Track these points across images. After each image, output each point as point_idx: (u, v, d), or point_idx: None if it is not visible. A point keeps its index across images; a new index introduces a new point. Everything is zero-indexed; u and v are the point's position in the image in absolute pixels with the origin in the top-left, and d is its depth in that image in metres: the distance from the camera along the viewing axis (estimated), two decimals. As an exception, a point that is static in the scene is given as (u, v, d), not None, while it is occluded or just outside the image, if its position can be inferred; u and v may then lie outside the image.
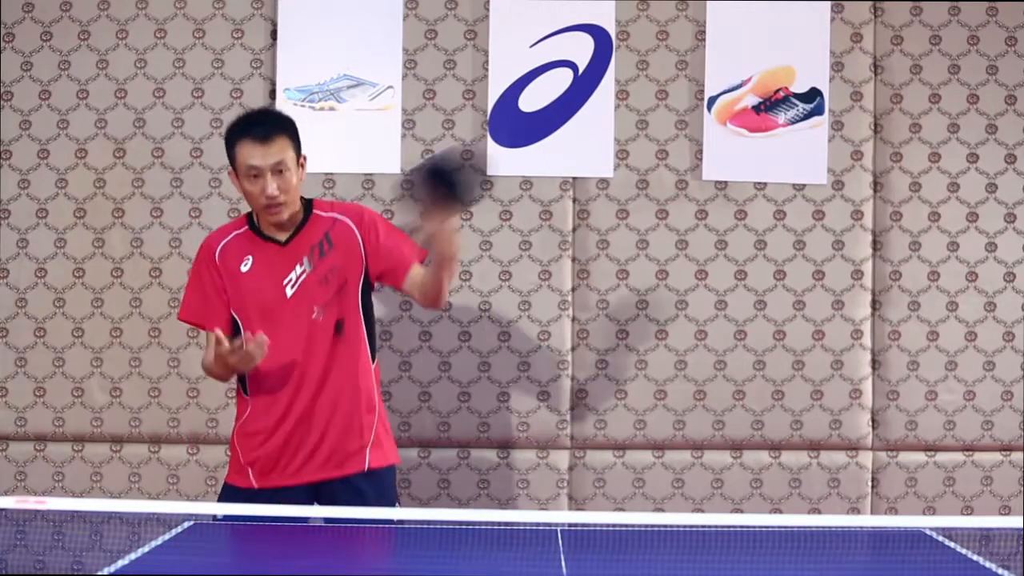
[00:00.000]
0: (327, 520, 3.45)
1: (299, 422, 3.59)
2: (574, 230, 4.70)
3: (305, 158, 3.65)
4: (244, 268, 3.62)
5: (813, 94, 4.67)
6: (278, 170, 3.54)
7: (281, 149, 3.55)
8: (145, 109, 4.66)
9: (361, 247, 3.64)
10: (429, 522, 3.28)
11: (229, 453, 3.77)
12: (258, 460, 3.62)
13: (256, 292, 3.60)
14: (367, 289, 3.69)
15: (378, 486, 3.64)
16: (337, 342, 3.61)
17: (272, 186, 3.53)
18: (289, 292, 3.59)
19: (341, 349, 3.61)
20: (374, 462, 3.65)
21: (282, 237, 3.63)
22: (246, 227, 3.67)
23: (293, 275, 3.60)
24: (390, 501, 3.70)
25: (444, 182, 3.41)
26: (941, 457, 4.75)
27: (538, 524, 3.41)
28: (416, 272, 3.64)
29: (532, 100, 4.66)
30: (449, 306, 4.66)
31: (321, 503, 3.62)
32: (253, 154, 3.53)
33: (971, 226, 4.73)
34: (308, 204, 3.68)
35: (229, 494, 3.67)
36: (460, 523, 3.26)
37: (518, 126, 4.66)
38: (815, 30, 4.68)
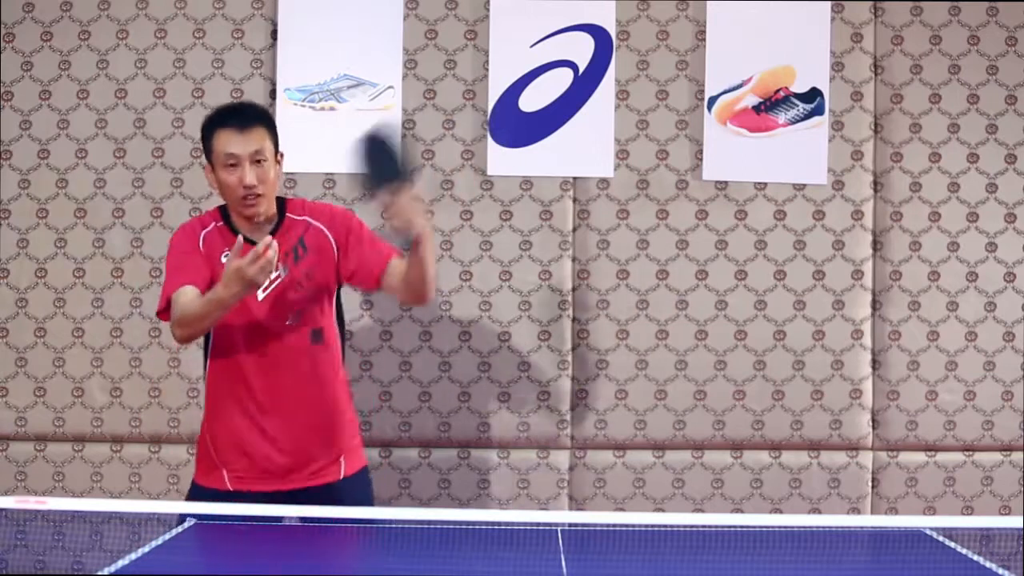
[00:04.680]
0: (327, 520, 3.44)
1: (273, 425, 3.53)
2: (574, 230, 4.70)
3: (282, 155, 3.57)
4: (223, 260, 3.49)
5: (813, 94, 4.67)
6: (256, 160, 3.46)
7: (260, 138, 3.48)
8: (145, 109, 4.66)
9: (334, 251, 3.57)
10: (429, 522, 3.28)
11: (196, 451, 3.70)
12: (232, 460, 3.55)
13: None
14: (339, 297, 3.64)
15: (353, 490, 3.61)
16: (314, 350, 3.55)
17: (251, 175, 3.45)
18: (260, 295, 3.50)
19: (318, 358, 3.56)
20: (349, 469, 3.63)
21: (256, 239, 3.46)
22: (221, 222, 3.57)
23: (268, 277, 3.44)
24: (367, 500, 3.68)
25: (377, 158, 3.38)
26: (941, 457, 4.75)
27: (538, 524, 3.41)
28: (395, 265, 3.55)
29: (532, 100, 4.66)
30: (449, 306, 4.67)
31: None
32: (231, 142, 3.46)
33: (971, 226, 4.73)
34: (281, 204, 3.59)
35: (198, 496, 3.58)
36: (460, 523, 3.26)
37: (518, 126, 4.66)
38: (815, 30, 4.68)
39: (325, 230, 3.58)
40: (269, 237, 3.29)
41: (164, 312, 3.53)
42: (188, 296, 3.43)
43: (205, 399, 3.64)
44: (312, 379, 3.55)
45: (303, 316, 3.54)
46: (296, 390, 3.53)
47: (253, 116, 3.54)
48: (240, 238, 3.33)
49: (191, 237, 3.56)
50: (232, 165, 3.47)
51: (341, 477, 3.61)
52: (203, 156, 3.59)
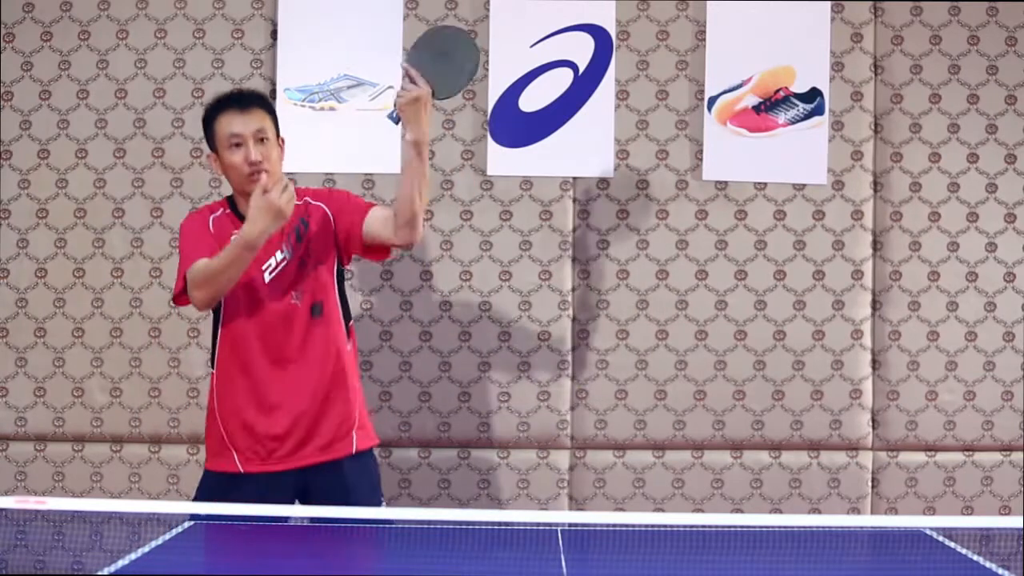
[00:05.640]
0: (327, 520, 3.44)
1: (280, 403, 3.58)
2: (574, 230, 4.70)
3: (283, 140, 3.65)
4: (234, 238, 3.55)
5: (813, 94, 4.67)
6: (259, 138, 3.54)
7: (261, 119, 3.57)
8: (145, 109, 4.66)
9: (332, 224, 3.65)
10: (429, 522, 3.28)
11: (205, 436, 3.71)
12: (241, 440, 3.59)
13: None
14: (341, 273, 3.70)
15: (363, 467, 3.68)
16: (315, 324, 3.60)
17: (255, 152, 3.52)
18: (267, 277, 3.58)
19: (319, 331, 3.61)
20: (360, 444, 3.67)
21: None
22: (229, 210, 3.65)
23: (273, 261, 3.58)
24: (375, 480, 3.73)
25: (442, 51, 3.51)
26: (941, 457, 4.75)
27: (538, 524, 3.41)
28: (377, 211, 3.63)
29: (532, 100, 4.66)
30: (449, 306, 4.67)
31: (308, 488, 3.60)
32: (233, 122, 3.55)
33: (971, 226, 4.73)
34: None
35: (212, 482, 3.64)
36: (460, 523, 3.26)
37: (518, 126, 4.66)
38: (815, 30, 4.68)
39: (324, 206, 3.67)
40: (285, 178, 3.48)
41: (182, 295, 3.59)
42: (204, 262, 3.51)
43: (214, 381, 3.66)
44: (312, 351, 3.60)
45: (306, 293, 3.61)
46: (299, 363, 3.59)
47: (253, 98, 3.64)
48: (264, 175, 3.48)
49: (202, 221, 3.65)
50: (236, 145, 3.55)
51: (353, 451, 3.64)
52: (206, 146, 3.64)
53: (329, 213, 3.66)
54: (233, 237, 3.51)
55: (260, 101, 3.64)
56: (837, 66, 4.69)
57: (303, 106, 4.62)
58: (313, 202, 3.67)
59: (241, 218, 3.58)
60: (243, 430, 3.60)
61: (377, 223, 3.62)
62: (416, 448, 4.69)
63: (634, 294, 4.70)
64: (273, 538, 3.23)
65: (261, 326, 3.58)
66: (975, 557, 3.06)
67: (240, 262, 3.45)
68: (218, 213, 3.66)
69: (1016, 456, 4.74)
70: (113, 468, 4.68)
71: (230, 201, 3.67)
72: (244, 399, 3.60)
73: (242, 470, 3.60)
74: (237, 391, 3.61)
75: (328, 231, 3.65)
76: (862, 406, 4.72)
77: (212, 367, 3.66)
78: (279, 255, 3.59)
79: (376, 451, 4.63)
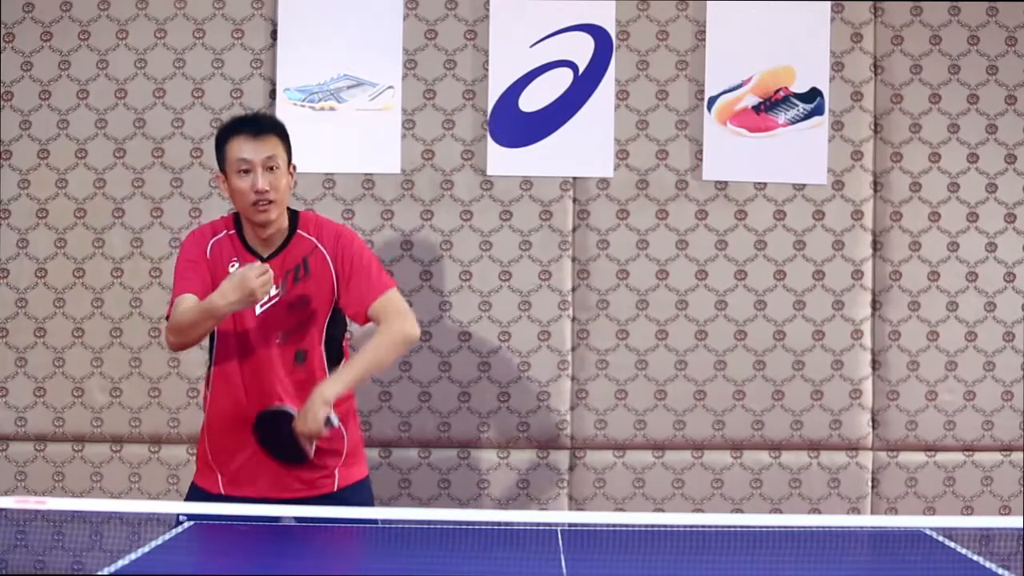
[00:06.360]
0: (327, 520, 3.44)
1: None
2: (574, 230, 4.70)
3: (295, 168, 3.59)
4: (232, 269, 3.53)
5: (813, 94, 4.67)
6: (269, 167, 3.48)
7: (273, 146, 3.51)
8: (145, 109, 4.66)
9: (333, 279, 3.57)
10: (429, 522, 3.28)
11: (196, 451, 3.71)
12: (225, 465, 3.58)
13: None
14: (336, 320, 3.63)
15: (349, 502, 3.58)
16: (297, 370, 3.55)
17: (263, 181, 3.46)
18: (258, 310, 3.53)
19: (301, 378, 3.54)
20: (343, 481, 3.62)
21: (264, 253, 3.55)
22: (233, 231, 3.59)
23: (266, 296, 3.50)
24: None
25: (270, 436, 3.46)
26: (941, 457, 4.75)
27: (538, 524, 3.41)
28: (384, 301, 3.56)
29: (532, 100, 4.66)
30: (449, 306, 4.67)
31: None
32: (244, 148, 3.48)
33: (971, 226, 4.73)
34: (293, 219, 3.60)
35: (196, 498, 3.61)
36: (460, 523, 3.26)
37: (518, 126, 4.66)
38: (815, 30, 4.68)
39: (328, 257, 3.58)
40: (267, 266, 3.39)
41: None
42: (186, 303, 3.48)
43: (206, 401, 3.65)
44: (295, 398, 3.52)
45: (291, 336, 3.55)
46: (277, 401, 3.52)
47: (267, 125, 3.58)
48: (259, 263, 3.41)
49: (199, 244, 3.60)
50: (245, 171, 3.49)
51: (335, 489, 3.60)
52: (216, 165, 3.59)
53: (332, 265, 3.57)
54: (230, 267, 3.48)
55: (275, 128, 3.57)
56: (837, 66, 4.69)
57: (303, 106, 4.62)
58: (320, 247, 3.58)
59: (243, 242, 3.56)
60: (227, 456, 3.57)
61: (378, 319, 3.56)
62: (416, 448, 4.69)
63: (634, 294, 4.70)
64: (272, 538, 3.23)
65: (248, 362, 3.54)
66: (975, 557, 3.06)
67: (203, 326, 3.43)
68: (220, 235, 3.59)
69: (1016, 456, 4.74)
70: (113, 468, 4.68)
71: (236, 221, 3.60)
72: (231, 427, 3.56)
73: (223, 492, 3.57)
74: (223, 418, 3.58)
75: (327, 283, 3.58)
76: (862, 406, 4.72)
77: (207, 388, 3.63)
78: (273, 290, 3.50)
79: (379, 451, 4.64)
